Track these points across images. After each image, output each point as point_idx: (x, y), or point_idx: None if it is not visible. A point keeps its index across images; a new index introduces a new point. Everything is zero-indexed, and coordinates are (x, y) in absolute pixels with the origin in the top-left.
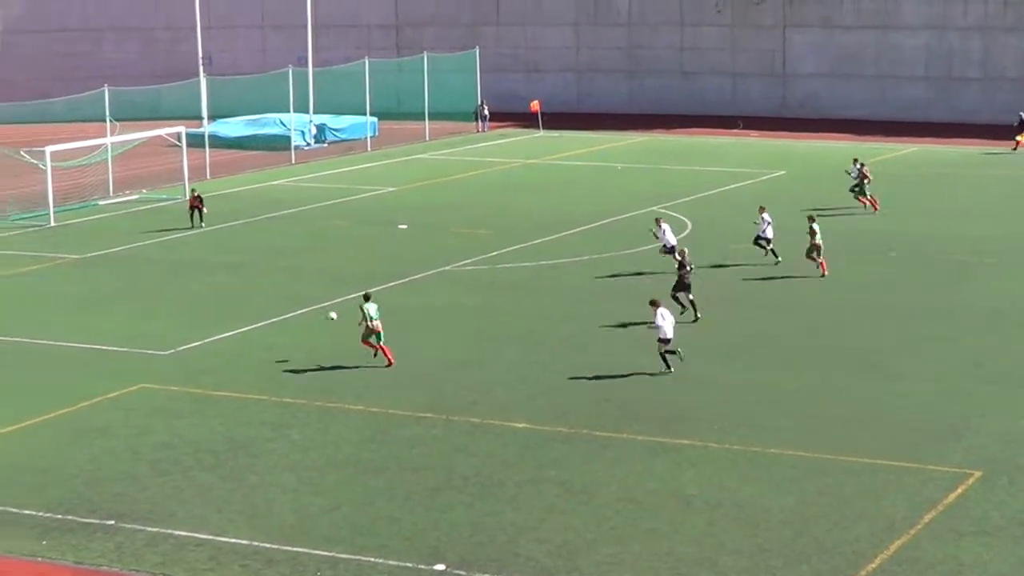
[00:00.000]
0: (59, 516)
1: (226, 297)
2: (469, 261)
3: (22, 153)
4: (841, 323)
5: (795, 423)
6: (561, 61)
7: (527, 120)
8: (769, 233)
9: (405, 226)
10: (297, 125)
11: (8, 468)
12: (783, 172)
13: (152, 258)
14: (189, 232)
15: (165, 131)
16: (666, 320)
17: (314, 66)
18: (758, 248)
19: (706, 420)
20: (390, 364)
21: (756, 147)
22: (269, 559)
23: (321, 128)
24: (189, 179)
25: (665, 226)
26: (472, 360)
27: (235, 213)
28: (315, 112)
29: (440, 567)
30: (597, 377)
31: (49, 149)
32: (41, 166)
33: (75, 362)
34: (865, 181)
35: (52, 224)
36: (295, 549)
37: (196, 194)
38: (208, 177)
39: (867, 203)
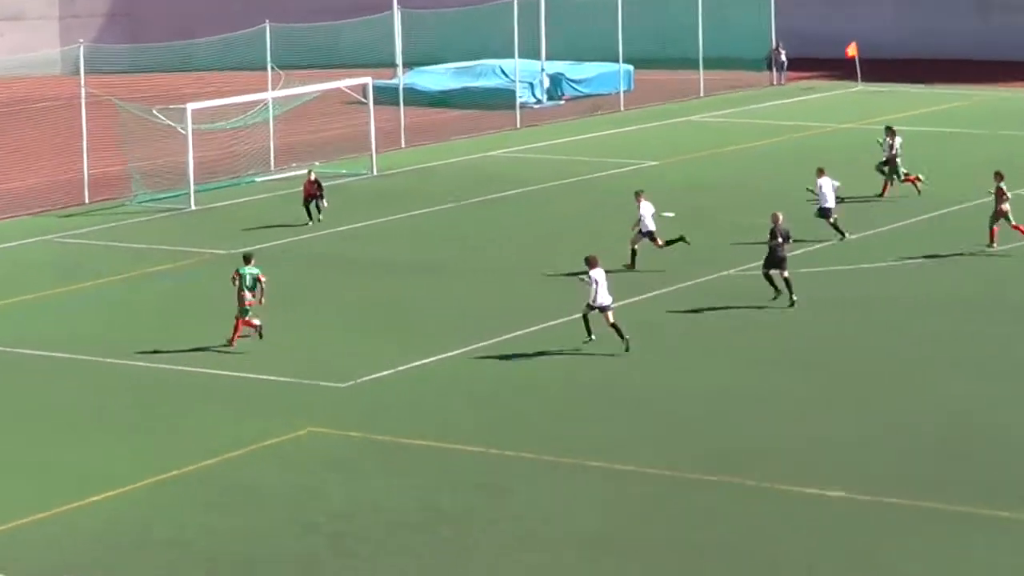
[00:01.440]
0: None
1: (424, 309)
2: (758, 263)
3: (155, 112)
4: None
5: None
6: None
7: (840, 69)
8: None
9: (672, 214)
10: (524, 75)
11: (124, 540)
12: None
13: (326, 255)
14: (370, 226)
15: (346, 83)
16: (600, 283)
17: None
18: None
19: None
20: (230, 343)
21: None
22: None
23: (556, 80)
24: (377, 148)
25: (645, 203)
26: (759, 397)
27: (437, 195)
28: (548, 58)
29: None
30: (934, 426)
31: (190, 107)
32: (180, 129)
33: (220, 395)
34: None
35: (192, 207)
36: None
37: (314, 178)
38: (403, 145)
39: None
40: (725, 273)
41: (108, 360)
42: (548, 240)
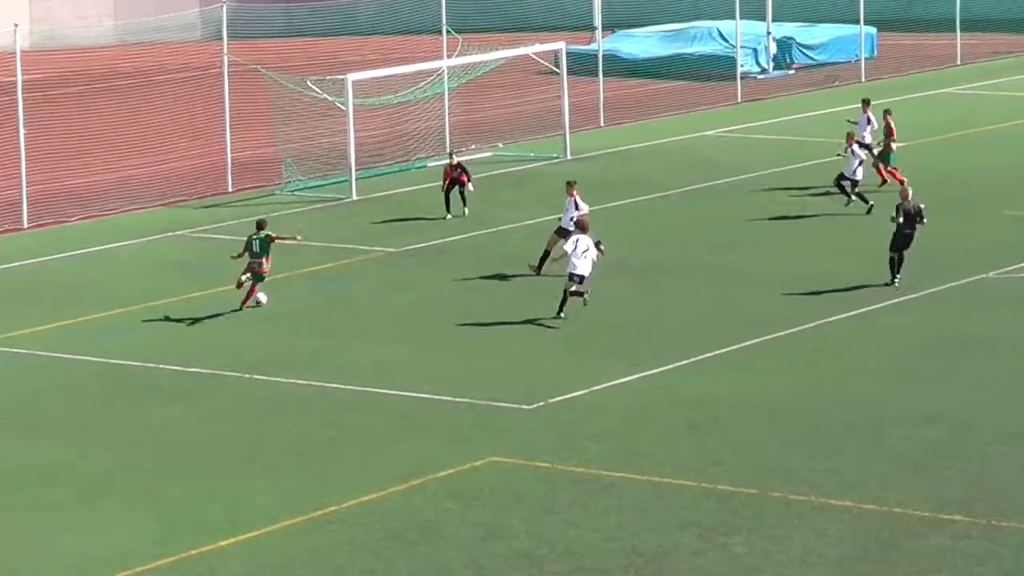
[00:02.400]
0: None
1: (625, 319)
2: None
3: (310, 84)
4: None
5: None
6: None
7: None
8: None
9: (923, 206)
10: (746, 40)
11: None
12: None
13: (510, 255)
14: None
15: (535, 49)
16: (581, 252)
17: None
18: None
19: None
20: (240, 308)
21: None
22: None
23: (785, 45)
24: (570, 127)
25: (576, 199)
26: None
27: (642, 181)
28: (775, 20)
29: None
30: None
31: (351, 77)
32: (339, 104)
33: (385, 418)
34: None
35: (354, 197)
36: None
37: (456, 163)
38: (601, 123)
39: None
40: (985, 276)
41: (255, 377)
42: (774, 234)
